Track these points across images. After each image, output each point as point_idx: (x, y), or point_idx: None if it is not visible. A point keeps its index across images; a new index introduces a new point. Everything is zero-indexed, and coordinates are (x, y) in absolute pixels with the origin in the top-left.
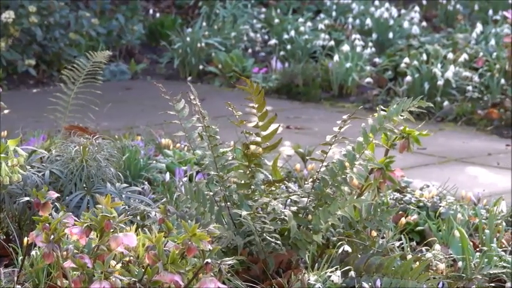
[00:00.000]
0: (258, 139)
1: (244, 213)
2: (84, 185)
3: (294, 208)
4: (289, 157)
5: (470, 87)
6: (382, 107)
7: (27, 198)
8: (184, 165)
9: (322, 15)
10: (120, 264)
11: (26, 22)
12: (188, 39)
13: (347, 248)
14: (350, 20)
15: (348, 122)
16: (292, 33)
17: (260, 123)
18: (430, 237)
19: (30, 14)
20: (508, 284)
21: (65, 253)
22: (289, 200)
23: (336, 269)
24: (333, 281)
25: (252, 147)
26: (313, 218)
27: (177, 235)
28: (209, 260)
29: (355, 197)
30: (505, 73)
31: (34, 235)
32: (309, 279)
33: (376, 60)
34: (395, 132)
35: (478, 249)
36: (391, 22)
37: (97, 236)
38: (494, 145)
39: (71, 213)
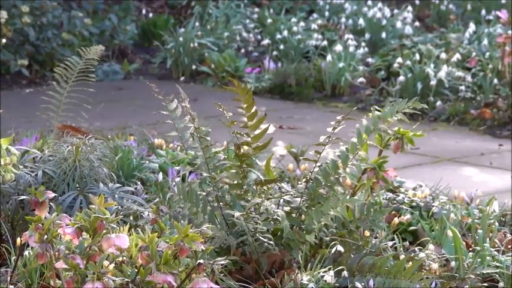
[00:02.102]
0: (249, 139)
1: (237, 213)
2: (77, 185)
3: (287, 208)
4: (282, 157)
5: (463, 87)
6: (376, 107)
7: (21, 197)
8: (177, 165)
9: (315, 15)
10: (113, 265)
11: (19, 22)
12: (181, 39)
13: (340, 248)
14: (343, 20)
15: (342, 123)
16: (285, 33)
17: (249, 123)
18: (423, 237)
19: (23, 14)
20: (501, 284)
21: (56, 253)
22: (282, 200)
23: (329, 269)
24: (326, 281)
25: (245, 147)
26: (306, 218)
27: (169, 235)
28: (202, 261)
29: (348, 197)
30: (497, 73)
31: (27, 235)
32: (302, 279)
33: (369, 60)
34: (389, 134)
35: (471, 249)
36: (384, 22)
37: (90, 236)
38: (487, 145)
39: (65, 214)
